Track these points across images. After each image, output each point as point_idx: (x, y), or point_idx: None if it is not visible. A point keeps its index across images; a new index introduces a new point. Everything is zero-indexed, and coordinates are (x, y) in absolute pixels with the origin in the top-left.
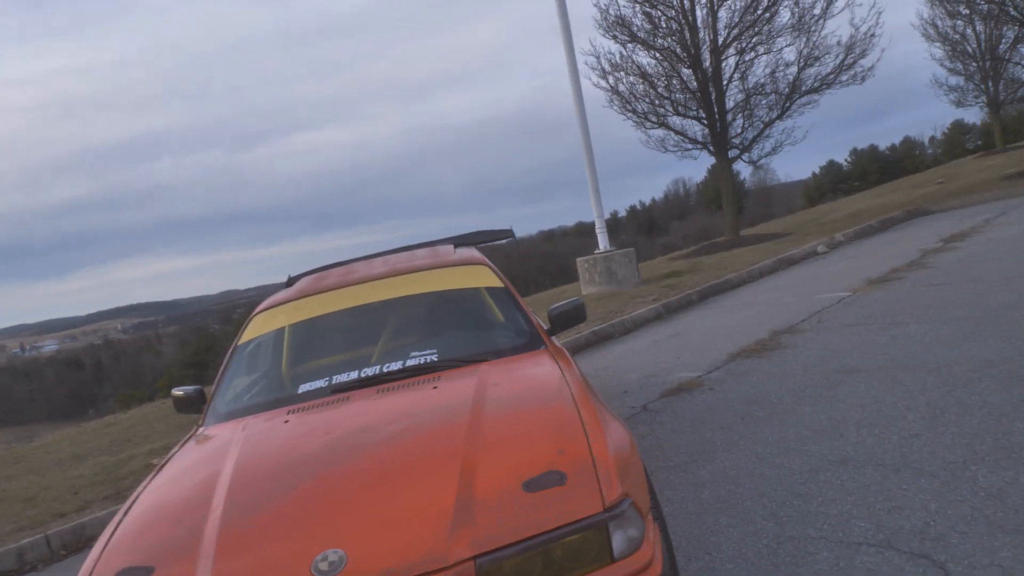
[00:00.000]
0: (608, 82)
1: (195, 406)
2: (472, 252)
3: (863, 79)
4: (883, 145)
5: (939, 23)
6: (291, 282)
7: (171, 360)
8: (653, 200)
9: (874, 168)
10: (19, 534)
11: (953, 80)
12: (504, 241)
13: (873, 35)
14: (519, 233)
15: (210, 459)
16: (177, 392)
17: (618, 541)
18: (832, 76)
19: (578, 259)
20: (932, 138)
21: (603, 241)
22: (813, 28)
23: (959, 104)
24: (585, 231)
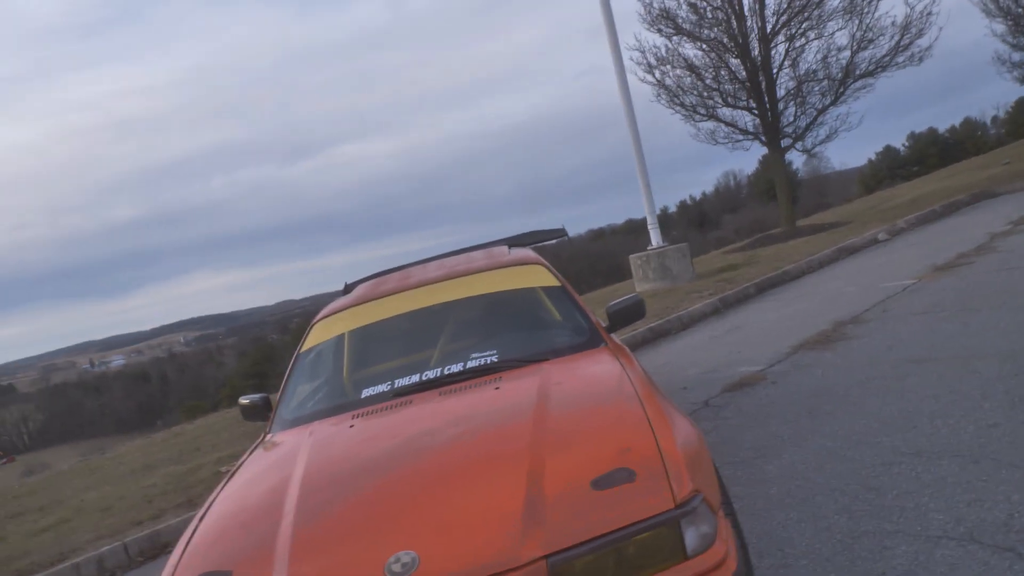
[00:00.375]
0: (654, 76)
1: (262, 414)
2: (527, 252)
3: (920, 60)
4: (942, 128)
5: None
6: (348, 289)
7: (232, 371)
8: (703, 194)
9: (934, 151)
10: (98, 542)
11: (1017, 56)
12: (556, 241)
13: (930, 13)
14: (570, 232)
15: (280, 465)
16: (244, 401)
17: (691, 538)
18: (887, 58)
19: (631, 256)
20: (995, 118)
21: (655, 237)
22: (866, 10)
23: None
24: (635, 228)
